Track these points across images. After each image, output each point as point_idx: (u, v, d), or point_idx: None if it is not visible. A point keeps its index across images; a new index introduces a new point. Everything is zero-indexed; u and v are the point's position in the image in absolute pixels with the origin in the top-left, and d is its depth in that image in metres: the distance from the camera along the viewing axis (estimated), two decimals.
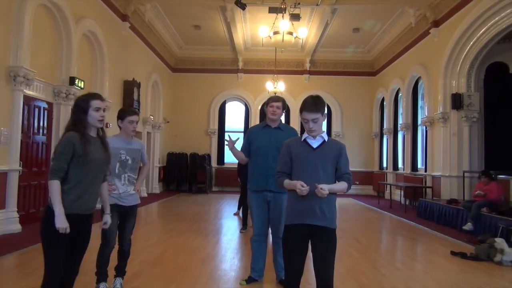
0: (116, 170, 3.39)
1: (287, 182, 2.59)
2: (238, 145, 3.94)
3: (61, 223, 2.29)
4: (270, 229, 3.86)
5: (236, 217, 8.39)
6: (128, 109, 3.63)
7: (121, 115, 3.45)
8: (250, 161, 3.87)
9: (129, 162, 3.48)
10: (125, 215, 3.43)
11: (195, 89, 15.36)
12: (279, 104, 3.81)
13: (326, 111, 2.65)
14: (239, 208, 8.62)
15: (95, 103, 2.47)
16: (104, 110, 2.50)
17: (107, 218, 2.77)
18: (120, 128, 3.51)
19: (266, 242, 3.89)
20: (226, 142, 3.88)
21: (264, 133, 3.80)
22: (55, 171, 2.34)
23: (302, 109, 2.56)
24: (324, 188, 2.38)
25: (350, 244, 5.89)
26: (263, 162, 3.70)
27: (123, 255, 3.58)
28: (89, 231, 2.59)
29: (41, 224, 2.45)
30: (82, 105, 2.46)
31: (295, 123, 14.82)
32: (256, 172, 3.77)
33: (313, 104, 2.54)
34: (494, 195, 6.75)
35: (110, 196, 3.16)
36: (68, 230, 2.30)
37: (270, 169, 3.52)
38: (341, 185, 2.57)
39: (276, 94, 12.93)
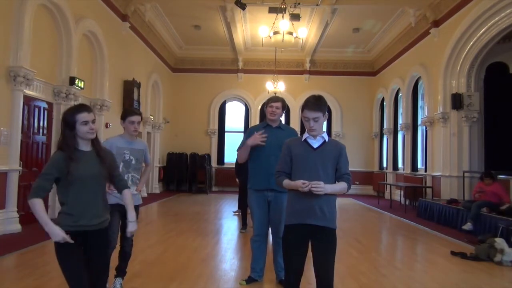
0: (120, 170, 3.36)
1: (286, 182, 2.59)
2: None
3: (56, 235, 2.21)
4: (270, 229, 3.86)
5: (236, 217, 8.39)
6: (130, 109, 3.61)
7: (123, 115, 3.48)
8: (250, 161, 3.87)
9: (133, 162, 3.47)
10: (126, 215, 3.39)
11: (195, 89, 15.36)
12: (279, 104, 3.82)
13: (327, 112, 2.65)
14: (239, 208, 8.64)
15: (81, 116, 2.34)
16: (93, 122, 2.39)
17: (131, 226, 2.67)
18: (124, 128, 3.53)
19: (266, 242, 3.89)
20: (260, 133, 3.73)
21: (265, 132, 3.80)
22: (35, 189, 2.26)
23: (304, 107, 2.57)
24: (320, 184, 2.40)
25: (350, 244, 5.89)
26: (264, 161, 3.70)
27: (125, 256, 3.57)
28: (102, 244, 2.48)
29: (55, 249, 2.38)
30: (68, 120, 2.35)
31: (295, 123, 14.84)
32: (258, 172, 3.77)
33: (315, 103, 2.55)
34: (499, 198, 6.72)
35: (112, 196, 3.15)
36: (68, 239, 2.23)
37: (272, 168, 3.49)
38: (340, 186, 2.57)
39: (276, 94, 12.97)
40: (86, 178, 2.35)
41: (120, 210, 3.26)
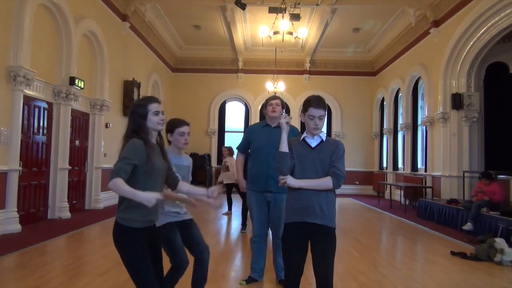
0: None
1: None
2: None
3: (150, 199, 2.06)
4: (270, 229, 3.86)
5: (235, 217, 8.38)
6: (178, 119, 3.16)
7: (170, 127, 3.08)
8: (249, 162, 3.86)
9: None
10: (186, 226, 3.04)
11: (195, 89, 15.36)
12: (278, 101, 3.81)
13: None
14: (230, 209, 8.69)
15: (153, 106, 2.34)
16: (163, 113, 2.37)
17: (211, 191, 2.54)
18: (169, 142, 3.11)
19: (266, 242, 3.89)
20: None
21: (264, 132, 3.79)
22: (118, 170, 2.14)
23: (309, 106, 2.56)
24: (284, 179, 2.47)
25: (350, 244, 5.89)
26: (263, 162, 3.69)
27: (202, 266, 3.01)
28: (158, 242, 2.44)
29: (116, 246, 2.29)
30: (140, 111, 2.32)
31: (295, 123, 14.69)
32: (256, 172, 3.76)
33: (319, 101, 2.57)
34: (498, 197, 6.75)
35: (165, 216, 2.90)
36: (159, 196, 2.12)
37: (271, 169, 3.50)
38: (321, 180, 2.49)
39: (276, 94, 12.97)
40: (159, 170, 2.33)
41: (177, 225, 2.99)
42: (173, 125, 3.09)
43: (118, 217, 2.28)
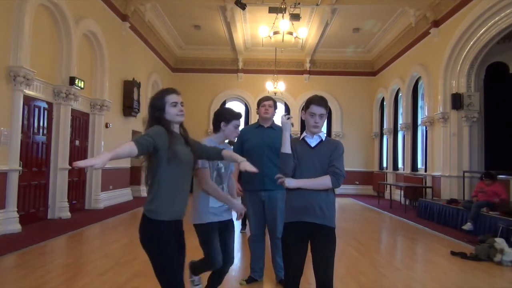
0: (213, 181, 2.89)
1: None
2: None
3: (98, 161, 1.79)
4: (267, 229, 3.86)
5: (235, 218, 8.37)
6: (235, 111, 3.04)
7: (228, 118, 2.96)
8: None
9: (222, 170, 2.96)
10: (225, 230, 3.00)
11: (195, 89, 15.35)
12: (270, 102, 3.83)
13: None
14: None
15: (170, 97, 2.27)
16: (182, 104, 2.29)
17: (242, 165, 2.49)
18: (216, 130, 3.02)
19: (264, 241, 3.89)
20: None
21: (257, 133, 3.80)
22: (138, 140, 2.03)
23: (310, 103, 2.57)
24: (283, 179, 2.47)
25: (350, 244, 5.89)
26: (257, 161, 3.67)
27: (221, 274, 3.03)
28: (183, 237, 2.38)
29: (142, 241, 2.22)
30: (157, 104, 2.26)
31: (294, 123, 14.84)
32: (251, 173, 3.75)
33: (321, 99, 2.59)
34: (504, 196, 6.76)
35: (207, 214, 2.87)
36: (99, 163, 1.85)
37: (265, 169, 3.53)
38: (318, 179, 2.48)
39: (276, 94, 12.98)
40: (182, 160, 2.23)
41: (217, 227, 2.93)
42: (232, 116, 2.98)
43: (145, 209, 2.21)
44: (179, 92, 2.34)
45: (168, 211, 2.19)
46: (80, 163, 1.76)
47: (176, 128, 2.32)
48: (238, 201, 3.12)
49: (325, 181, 2.47)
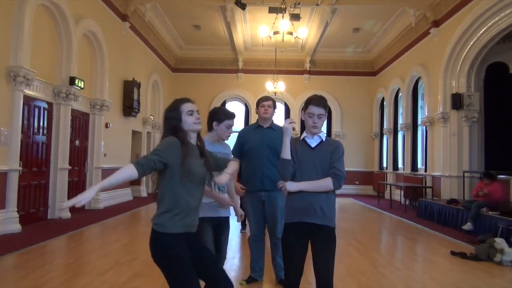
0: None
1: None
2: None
3: (85, 197, 1.84)
4: (267, 229, 3.86)
5: (235, 217, 8.37)
6: (228, 111, 3.07)
7: (220, 117, 3.00)
8: (242, 163, 3.83)
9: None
10: (218, 227, 3.02)
11: (195, 89, 15.32)
12: (270, 102, 3.81)
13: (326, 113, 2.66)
14: None
15: (186, 106, 2.21)
16: (198, 112, 2.23)
17: (223, 177, 2.43)
18: (210, 129, 3.06)
19: (264, 241, 3.89)
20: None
21: (256, 133, 3.79)
22: (140, 160, 2.00)
23: (309, 103, 2.57)
24: (284, 185, 2.46)
25: (350, 244, 5.89)
26: (257, 162, 3.69)
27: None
28: (200, 248, 2.29)
29: (154, 258, 2.12)
30: (173, 115, 2.20)
31: (296, 123, 14.82)
32: (251, 173, 3.74)
33: (320, 99, 2.57)
34: (498, 195, 6.76)
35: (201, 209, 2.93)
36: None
37: (265, 169, 3.53)
38: (320, 181, 2.48)
39: (276, 94, 12.98)
40: (197, 175, 2.17)
41: (210, 223, 2.95)
42: (224, 115, 3.00)
43: (154, 223, 2.13)
44: (193, 100, 2.30)
45: (178, 225, 2.11)
46: (67, 203, 1.88)
47: (192, 139, 2.26)
48: (237, 201, 3.14)
49: (326, 183, 2.47)
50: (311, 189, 2.47)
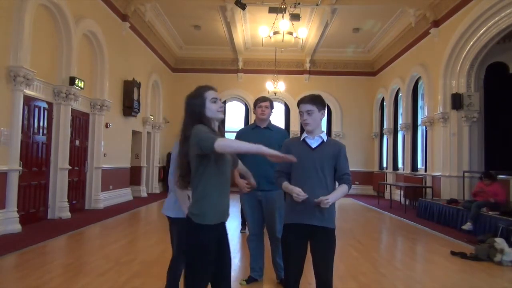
0: None
1: (285, 185, 2.60)
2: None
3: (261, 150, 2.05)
4: (266, 229, 3.86)
5: (235, 217, 8.37)
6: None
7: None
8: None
9: None
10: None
11: None
12: (267, 103, 3.83)
13: (325, 110, 2.65)
14: None
15: (210, 93, 2.19)
16: (220, 100, 2.22)
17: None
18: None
19: (263, 241, 3.89)
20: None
21: (253, 134, 3.80)
22: (209, 137, 1.96)
23: (299, 103, 2.61)
24: (329, 200, 2.41)
25: (350, 244, 5.89)
26: (254, 162, 3.68)
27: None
28: (227, 240, 2.33)
29: (187, 244, 2.14)
30: (197, 102, 2.16)
31: (295, 123, 14.88)
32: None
33: (309, 97, 2.59)
34: (500, 197, 6.76)
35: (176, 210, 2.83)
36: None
37: (262, 170, 3.53)
38: (342, 190, 2.56)
39: (276, 94, 12.98)
40: (226, 159, 2.16)
41: (178, 223, 2.91)
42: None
43: (190, 213, 2.12)
44: (216, 88, 2.27)
45: (214, 213, 2.12)
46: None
47: (215, 127, 2.22)
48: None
49: (345, 190, 2.56)
50: (338, 198, 2.52)
